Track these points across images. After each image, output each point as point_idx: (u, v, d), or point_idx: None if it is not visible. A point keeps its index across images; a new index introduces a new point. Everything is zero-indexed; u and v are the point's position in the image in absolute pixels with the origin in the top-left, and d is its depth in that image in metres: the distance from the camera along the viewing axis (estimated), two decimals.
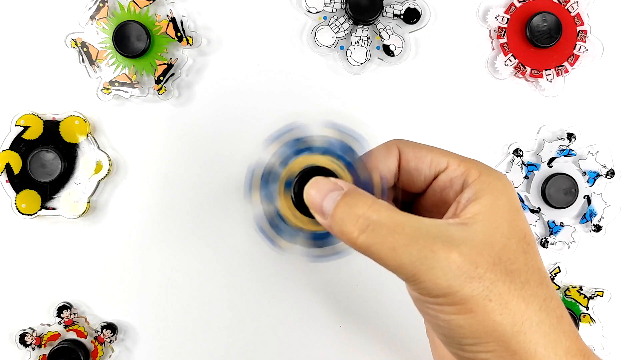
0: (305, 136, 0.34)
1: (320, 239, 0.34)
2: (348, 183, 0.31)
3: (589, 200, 0.49)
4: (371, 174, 0.33)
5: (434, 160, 0.33)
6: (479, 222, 0.29)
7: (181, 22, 0.47)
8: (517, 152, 0.48)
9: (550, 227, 0.48)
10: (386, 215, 0.29)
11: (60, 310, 0.47)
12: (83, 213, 0.46)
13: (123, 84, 0.46)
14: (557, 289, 0.49)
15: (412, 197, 0.35)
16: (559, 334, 0.29)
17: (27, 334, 0.46)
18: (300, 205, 0.32)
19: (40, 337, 0.47)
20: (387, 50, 0.47)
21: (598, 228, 0.49)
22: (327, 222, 0.30)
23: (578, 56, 0.48)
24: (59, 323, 0.47)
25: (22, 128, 0.46)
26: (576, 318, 0.48)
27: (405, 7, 0.47)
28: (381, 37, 0.47)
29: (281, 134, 0.34)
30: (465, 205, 0.30)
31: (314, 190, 0.31)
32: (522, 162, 0.49)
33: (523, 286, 0.29)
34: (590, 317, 0.48)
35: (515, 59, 0.48)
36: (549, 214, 0.49)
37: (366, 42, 0.47)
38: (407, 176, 0.34)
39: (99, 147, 0.47)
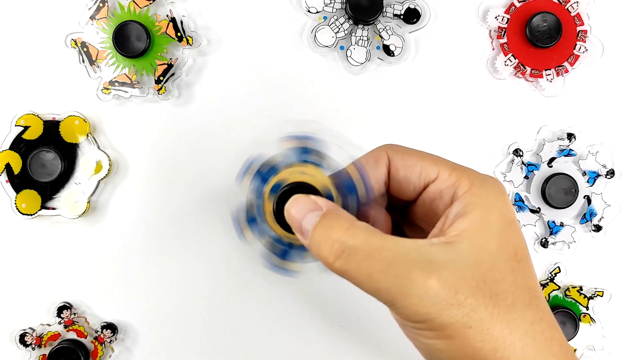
0: (267, 160, 0.34)
1: None
2: (328, 201, 0.31)
3: (589, 200, 0.49)
4: (350, 173, 0.32)
5: (423, 169, 0.31)
6: (465, 240, 0.28)
7: (181, 22, 0.47)
8: (517, 152, 0.48)
9: (550, 227, 0.48)
10: (362, 239, 0.28)
11: (60, 310, 0.47)
12: (83, 213, 0.46)
13: (123, 84, 0.46)
14: (557, 289, 0.49)
15: (407, 203, 0.34)
16: (547, 358, 0.28)
17: (27, 334, 0.46)
18: (283, 222, 0.32)
19: (40, 337, 0.47)
20: (387, 50, 0.47)
21: (598, 228, 0.49)
22: (306, 242, 0.30)
23: (578, 56, 0.48)
24: (59, 323, 0.47)
25: (22, 128, 0.46)
26: (576, 318, 0.48)
27: (405, 7, 0.47)
28: (381, 37, 0.47)
29: (246, 169, 0.34)
30: (453, 221, 0.29)
31: (294, 210, 0.31)
32: (522, 162, 0.49)
33: (509, 309, 0.28)
34: (590, 317, 0.48)
35: (515, 59, 0.48)
36: (549, 214, 0.49)
37: (366, 42, 0.47)
38: (396, 185, 0.33)
39: (99, 147, 0.47)
